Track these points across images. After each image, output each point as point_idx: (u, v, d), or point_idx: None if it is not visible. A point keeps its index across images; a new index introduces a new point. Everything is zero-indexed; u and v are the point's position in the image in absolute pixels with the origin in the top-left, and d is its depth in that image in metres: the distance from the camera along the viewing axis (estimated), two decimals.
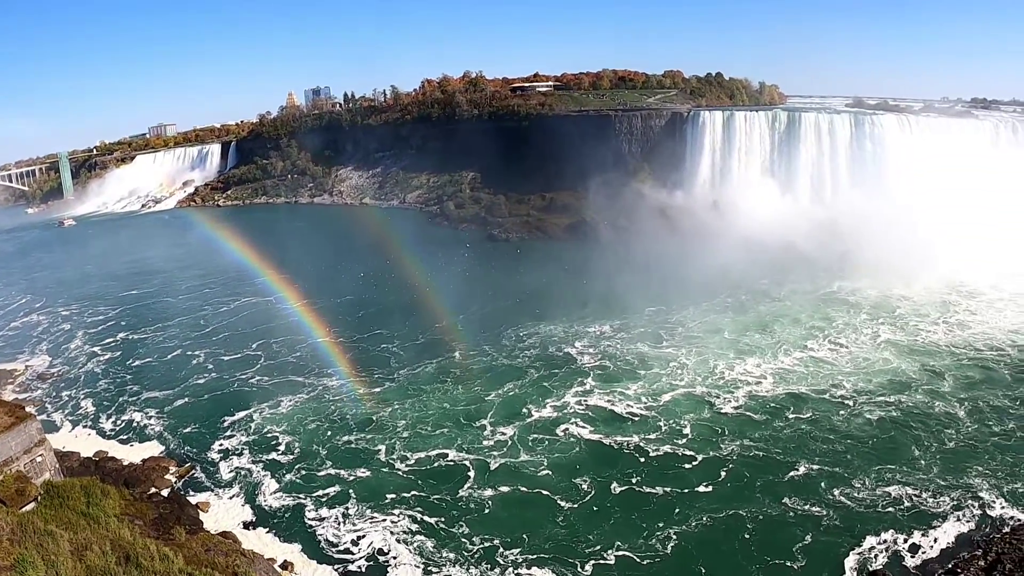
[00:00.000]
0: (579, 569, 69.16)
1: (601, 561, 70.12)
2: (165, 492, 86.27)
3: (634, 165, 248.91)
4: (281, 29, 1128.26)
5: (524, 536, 74.12)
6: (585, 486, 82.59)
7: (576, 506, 79.28)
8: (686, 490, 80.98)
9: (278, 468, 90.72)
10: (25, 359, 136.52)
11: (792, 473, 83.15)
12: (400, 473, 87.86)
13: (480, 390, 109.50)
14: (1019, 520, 72.56)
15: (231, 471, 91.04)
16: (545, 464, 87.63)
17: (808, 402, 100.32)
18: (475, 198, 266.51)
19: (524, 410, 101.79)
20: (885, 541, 70.56)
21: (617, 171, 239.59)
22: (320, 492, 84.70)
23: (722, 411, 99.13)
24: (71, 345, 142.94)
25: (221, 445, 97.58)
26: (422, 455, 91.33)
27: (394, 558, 72.52)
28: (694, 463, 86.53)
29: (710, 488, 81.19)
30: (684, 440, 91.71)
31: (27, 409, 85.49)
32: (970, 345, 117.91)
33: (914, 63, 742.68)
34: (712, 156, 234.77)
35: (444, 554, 72.43)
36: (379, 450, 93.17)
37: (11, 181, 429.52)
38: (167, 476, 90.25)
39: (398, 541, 74.83)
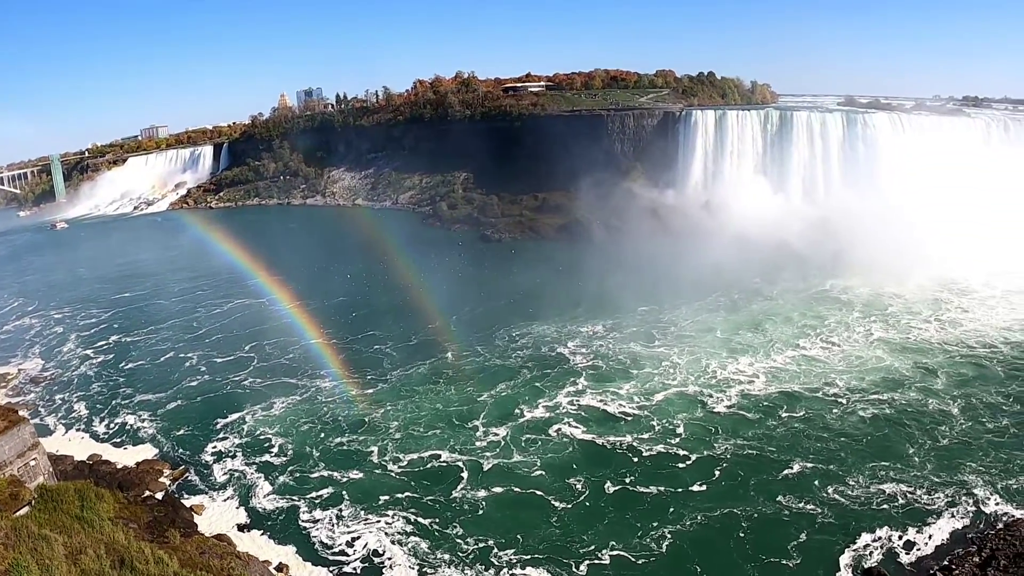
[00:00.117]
0: (574, 569, 69.12)
1: (596, 561, 70.10)
2: (159, 495, 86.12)
3: (626, 165, 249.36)
4: (273, 30, 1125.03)
5: (518, 536, 74.07)
6: (579, 486, 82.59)
7: (570, 506, 79.24)
8: (680, 489, 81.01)
9: (271, 470, 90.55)
10: (18, 362, 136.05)
11: (786, 471, 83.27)
12: (393, 474, 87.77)
13: (473, 391, 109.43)
14: (1013, 516, 72.79)
15: (225, 473, 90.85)
16: (538, 464, 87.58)
17: (801, 400, 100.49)
18: (468, 199, 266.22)
19: (517, 410, 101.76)
20: (880, 538, 70.73)
21: (609, 171, 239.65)
22: (314, 494, 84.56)
23: (715, 410, 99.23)
24: (64, 348, 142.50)
25: (214, 447, 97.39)
26: (415, 456, 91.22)
27: (389, 559, 72.45)
28: (688, 462, 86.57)
29: (704, 487, 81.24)
30: (677, 439, 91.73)
31: (20, 413, 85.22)
32: (962, 342, 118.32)
33: (905, 62, 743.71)
34: (704, 155, 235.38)
35: (439, 555, 72.37)
36: (372, 451, 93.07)
37: (3, 184, 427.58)
38: (161, 479, 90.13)
39: (392, 542, 74.74)
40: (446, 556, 72.19)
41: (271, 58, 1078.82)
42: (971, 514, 73.91)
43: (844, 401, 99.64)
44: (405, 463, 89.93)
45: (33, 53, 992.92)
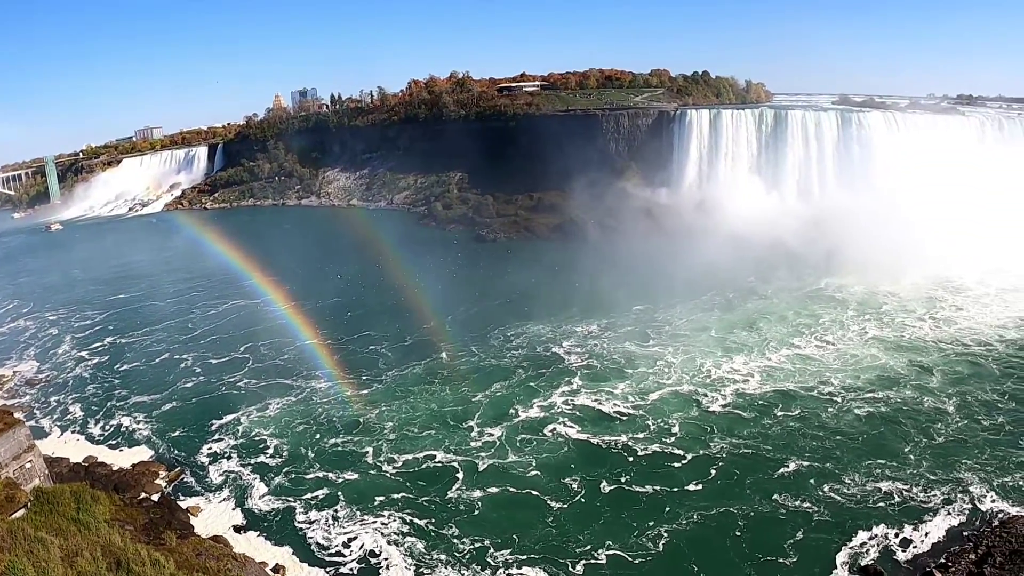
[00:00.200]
0: (570, 569, 69.05)
1: (592, 561, 70.03)
2: (155, 497, 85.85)
3: (621, 164, 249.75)
4: (268, 31, 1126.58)
5: (514, 536, 74.01)
6: (574, 486, 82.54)
7: (566, 506, 79.18)
8: (676, 488, 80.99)
9: (267, 471, 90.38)
10: (13, 365, 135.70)
11: (782, 470, 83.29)
12: (388, 475, 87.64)
13: (467, 391, 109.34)
14: (1009, 513, 72.88)
15: (220, 475, 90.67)
16: (534, 464, 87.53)
17: (796, 399, 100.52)
18: (463, 199, 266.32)
19: (512, 410, 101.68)
20: (876, 536, 70.76)
21: (604, 170, 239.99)
22: (309, 495, 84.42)
23: (710, 409, 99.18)
24: (59, 350, 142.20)
25: (210, 449, 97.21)
26: (409, 457, 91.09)
27: (385, 559, 72.33)
28: (683, 461, 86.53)
29: (700, 486, 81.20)
30: (673, 439, 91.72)
31: (15, 415, 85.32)
32: (957, 340, 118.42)
33: (900, 60, 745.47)
34: (699, 154, 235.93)
35: (435, 555, 72.27)
36: (367, 452, 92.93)
37: None
38: (157, 481, 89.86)
39: (389, 543, 74.62)
40: (442, 556, 72.11)
41: (266, 59, 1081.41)
42: (967, 512, 73.95)
43: (839, 399, 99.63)
44: (400, 464, 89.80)
45: (27, 54, 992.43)
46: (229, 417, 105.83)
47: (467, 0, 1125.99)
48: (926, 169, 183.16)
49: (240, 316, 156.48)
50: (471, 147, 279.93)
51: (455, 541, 74.40)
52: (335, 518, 79.78)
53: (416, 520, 78.11)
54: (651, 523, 74.94)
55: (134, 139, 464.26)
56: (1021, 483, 77.82)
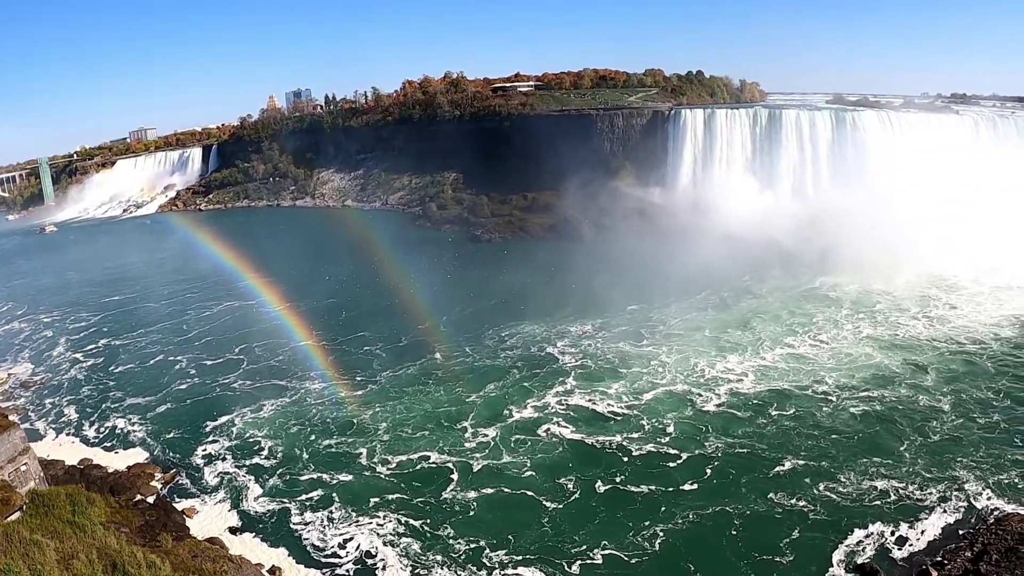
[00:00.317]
0: (566, 569, 69.00)
1: (588, 561, 69.98)
2: (151, 499, 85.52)
3: (616, 164, 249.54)
4: (261, 32, 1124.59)
5: (510, 537, 73.95)
6: (569, 486, 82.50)
7: (561, 506, 79.13)
8: (671, 488, 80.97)
9: (262, 472, 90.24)
10: (7, 367, 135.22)
11: (777, 469, 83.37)
12: (383, 476, 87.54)
13: (462, 391, 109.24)
14: (1004, 511, 73.03)
15: (216, 476, 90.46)
16: (528, 465, 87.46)
17: (791, 398, 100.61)
18: (457, 199, 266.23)
19: (506, 411, 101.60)
20: (872, 534, 70.83)
21: (599, 170, 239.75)
22: (304, 496, 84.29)
23: (705, 409, 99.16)
24: (53, 352, 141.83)
25: (205, 450, 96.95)
26: (404, 458, 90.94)
27: (382, 560, 72.19)
28: (678, 461, 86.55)
29: (695, 486, 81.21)
30: (667, 438, 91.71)
31: (10, 418, 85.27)
32: (951, 339, 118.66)
33: (894, 59, 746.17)
34: (693, 154, 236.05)
35: (431, 556, 72.18)
36: (361, 453, 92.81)
37: None
38: (152, 483, 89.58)
39: (385, 544, 74.45)
40: (438, 557, 72.04)
41: (260, 60, 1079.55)
42: (963, 509, 74.08)
43: (834, 398, 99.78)
44: (394, 465, 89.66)
45: (21, 56, 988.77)
46: (224, 418, 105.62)
47: (461, 0, 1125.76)
48: (920, 168, 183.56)
49: (234, 317, 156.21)
50: (465, 147, 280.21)
51: (451, 542, 74.30)
52: (330, 519, 79.70)
53: (411, 521, 78.01)
54: (647, 523, 74.90)
55: (128, 140, 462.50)
56: (1016, 481, 77.99)
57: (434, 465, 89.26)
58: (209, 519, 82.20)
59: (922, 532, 71.29)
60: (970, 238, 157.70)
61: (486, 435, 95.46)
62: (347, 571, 71.86)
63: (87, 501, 70.74)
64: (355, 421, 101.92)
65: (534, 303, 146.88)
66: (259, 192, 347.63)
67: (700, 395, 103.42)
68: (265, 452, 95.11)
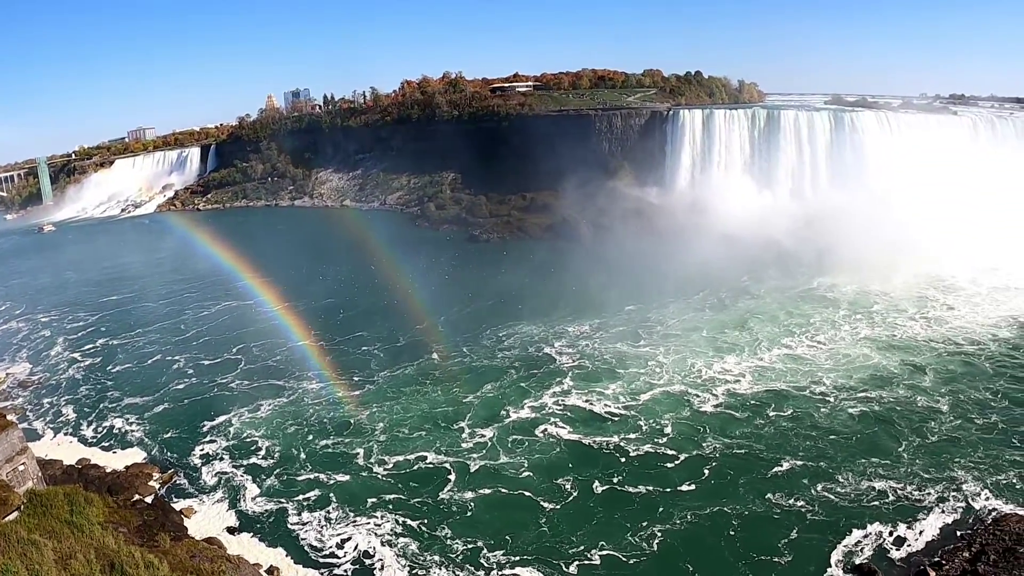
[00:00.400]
0: (564, 569, 68.97)
1: (586, 561, 69.96)
2: (149, 499, 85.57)
3: (614, 164, 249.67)
4: (260, 32, 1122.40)
5: (507, 537, 73.92)
6: (567, 486, 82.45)
7: (558, 507, 79.08)
8: (669, 489, 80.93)
9: (259, 472, 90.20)
10: (5, 367, 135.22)
11: (775, 470, 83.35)
12: (380, 476, 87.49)
13: (459, 392, 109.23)
14: (1002, 511, 73.05)
15: (214, 476, 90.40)
16: (526, 465, 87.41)
17: (789, 399, 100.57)
18: (456, 199, 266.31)
19: (503, 411, 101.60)
20: (870, 535, 70.84)
21: (597, 170, 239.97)
22: (301, 496, 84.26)
23: (702, 409, 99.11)
24: (51, 352, 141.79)
25: (203, 450, 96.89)
26: (401, 458, 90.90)
27: (380, 560, 72.25)
28: (676, 462, 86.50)
29: (693, 486, 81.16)
30: (665, 439, 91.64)
31: (8, 417, 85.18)
32: (949, 340, 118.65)
33: (892, 60, 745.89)
34: (692, 154, 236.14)
35: (428, 556, 72.12)
36: (358, 453, 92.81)
37: None
38: (150, 483, 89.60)
39: (383, 544, 74.45)
40: (436, 557, 71.99)
41: (258, 60, 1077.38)
42: (961, 510, 74.10)
43: (832, 399, 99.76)
44: (391, 465, 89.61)
45: (19, 55, 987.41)
46: (221, 418, 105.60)
47: (460, 0, 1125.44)
48: (918, 169, 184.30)
49: (232, 317, 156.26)
50: (464, 147, 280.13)
51: (448, 542, 74.27)
52: (328, 519, 79.70)
53: (409, 521, 77.98)
54: (644, 523, 74.87)
55: (127, 140, 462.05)
56: (1014, 481, 78.02)
57: (431, 465, 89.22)
58: (207, 519, 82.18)
59: (920, 532, 71.29)
60: (968, 239, 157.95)
61: (483, 435, 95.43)
62: (345, 571, 71.87)
63: (85, 501, 70.66)
64: (352, 421, 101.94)
65: (532, 303, 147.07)
66: (257, 192, 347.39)
67: (697, 396, 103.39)
68: (263, 452, 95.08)
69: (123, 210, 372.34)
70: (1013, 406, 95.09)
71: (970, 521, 72.66)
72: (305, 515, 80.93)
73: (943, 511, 74.21)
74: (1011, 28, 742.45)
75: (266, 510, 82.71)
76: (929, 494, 76.91)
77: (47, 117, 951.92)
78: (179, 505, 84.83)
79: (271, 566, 72.65)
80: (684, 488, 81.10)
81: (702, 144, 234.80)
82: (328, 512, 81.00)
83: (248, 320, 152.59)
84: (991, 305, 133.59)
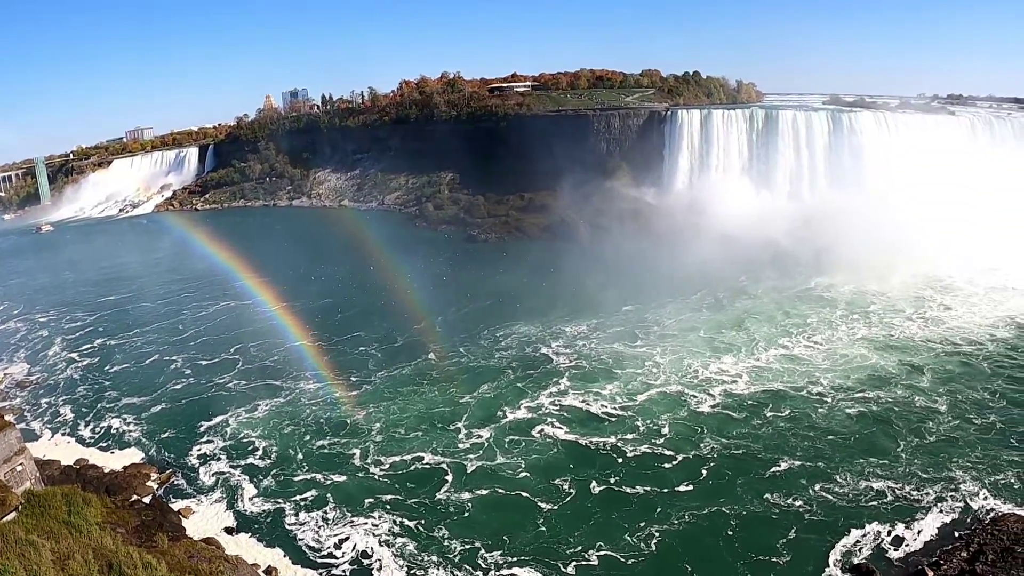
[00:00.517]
0: (562, 569, 68.91)
1: (583, 562, 69.89)
2: (147, 499, 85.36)
3: (612, 164, 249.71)
4: (258, 32, 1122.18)
5: (505, 538, 73.86)
6: (564, 487, 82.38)
7: (556, 507, 79.00)
8: (666, 489, 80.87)
9: (257, 473, 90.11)
10: (3, 367, 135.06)
11: (773, 470, 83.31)
12: (376, 477, 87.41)
13: (456, 392, 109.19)
14: (1000, 511, 73.08)
15: (211, 477, 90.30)
16: (523, 466, 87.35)
17: (786, 399, 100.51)
18: (454, 199, 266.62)
19: (500, 412, 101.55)
20: (868, 535, 70.84)
21: (595, 170, 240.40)
22: (299, 496, 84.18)
23: (699, 410, 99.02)
24: (49, 352, 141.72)
25: (200, 450, 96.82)
26: (398, 458, 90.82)
27: (378, 560, 72.22)
28: (673, 462, 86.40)
29: (691, 487, 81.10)
30: (662, 439, 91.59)
31: (6, 417, 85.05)
32: (947, 340, 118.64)
33: (890, 60, 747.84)
34: (690, 154, 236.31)
35: (426, 557, 72.06)
36: (354, 454, 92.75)
37: None
38: (148, 483, 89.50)
39: (380, 544, 74.40)
40: (434, 558, 71.92)
41: (257, 60, 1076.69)
42: (959, 510, 74.11)
43: (830, 399, 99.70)
44: (388, 465, 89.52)
45: (17, 55, 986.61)
46: (219, 418, 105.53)
47: (458, 1, 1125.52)
48: (916, 169, 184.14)
49: (230, 317, 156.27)
50: (462, 148, 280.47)
51: (446, 543, 74.22)
52: (325, 519, 79.64)
53: (406, 522, 77.92)
54: (642, 523, 74.82)
55: (124, 140, 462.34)
56: (1012, 481, 78.03)
57: (428, 466, 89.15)
58: (205, 519, 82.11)
59: (918, 532, 71.30)
60: (966, 239, 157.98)
61: (480, 436, 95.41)
62: (343, 571, 71.78)
63: (83, 501, 70.60)
64: (350, 421, 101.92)
65: (529, 303, 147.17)
66: (255, 192, 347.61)
67: (695, 396, 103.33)
68: (260, 452, 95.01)
69: (121, 210, 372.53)
70: (1011, 406, 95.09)
71: (968, 521, 72.64)
72: (303, 515, 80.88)
73: (941, 511, 74.22)
74: (1009, 29, 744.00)
75: (264, 510, 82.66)
76: (927, 494, 76.90)
77: (45, 117, 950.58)
78: (177, 505, 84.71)
79: (269, 566, 72.54)
80: (682, 488, 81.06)
81: (700, 144, 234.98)
82: (325, 512, 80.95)
83: (246, 320, 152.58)
84: (988, 305, 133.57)
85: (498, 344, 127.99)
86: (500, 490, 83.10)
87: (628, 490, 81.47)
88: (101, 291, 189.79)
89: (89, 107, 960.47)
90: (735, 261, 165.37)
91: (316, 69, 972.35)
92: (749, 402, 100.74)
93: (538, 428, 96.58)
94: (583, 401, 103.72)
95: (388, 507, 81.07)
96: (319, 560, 73.73)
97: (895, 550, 69.27)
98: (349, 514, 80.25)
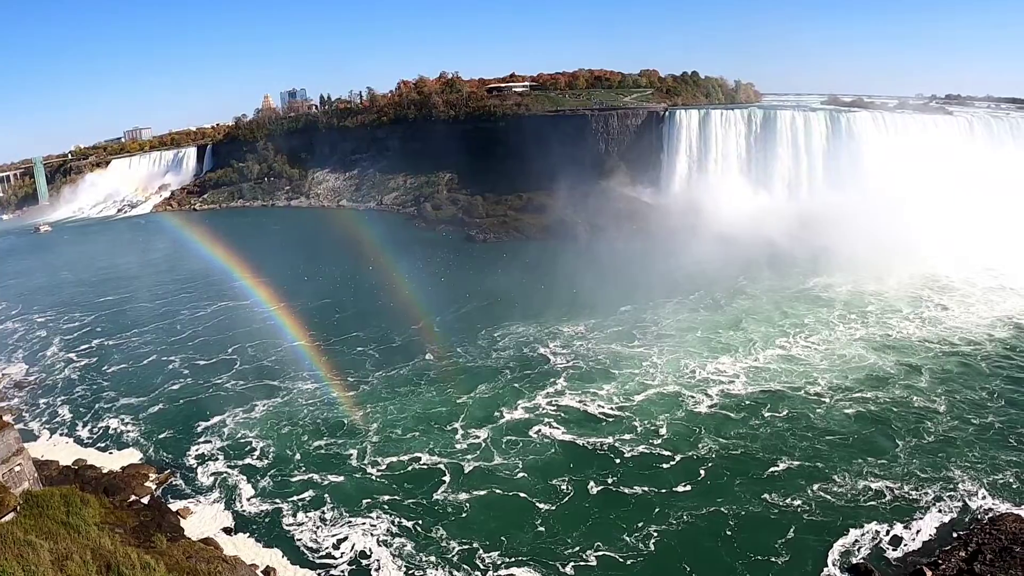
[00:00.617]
0: (560, 570, 68.90)
1: (582, 562, 69.87)
2: (145, 499, 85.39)
3: (610, 164, 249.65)
4: (257, 32, 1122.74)
5: (503, 538, 73.85)
6: (562, 487, 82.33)
7: (553, 507, 78.97)
8: (664, 489, 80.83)
9: (255, 473, 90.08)
10: (1, 367, 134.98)
11: (771, 470, 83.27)
12: (374, 477, 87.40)
13: (453, 392, 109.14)
14: (998, 511, 73.14)
15: (209, 477, 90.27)
16: (520, 466, 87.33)
17: (784, 399, 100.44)
18: (452, 199, 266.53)
19: (497, 412, 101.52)
20: (867, 534, 70.86)
21: (593, 170, 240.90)
22: (297, 497, 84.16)
23: (697, 410, 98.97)
24: (47, 352, 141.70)
25: (198, 451, 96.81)
26: (395, 459, 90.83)
27: (376, 560, 72.24)
28: (671, 462, 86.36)
29: (689, 487, 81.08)
30: (660, 440, 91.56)
31: (4, 418, 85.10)
32: (945, 340, 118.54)
33: (888, 60, 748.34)
34: (688, 154, 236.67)
35: (424, 557, 72.04)
36: (352, 454, 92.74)
37: None
38: (146, 483, 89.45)
39: (378, 544, 74.39)
40: (432, 558, 71.90)
41: (255, 60, 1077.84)
42: (957, 509, 74.17)
43: (827, 399, 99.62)
44: (385, 466, 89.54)
45: (16, 55, 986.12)
46: (216, 419, 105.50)
47: (457, 1, 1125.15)
48: (914, 169, 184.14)
49: (228, 317, 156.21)
50: (460, 148, 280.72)
51: (444, 543, 74.18)
52: (323, 520, 79.66)
53: (404, 522, 77.88)
54: (640, 524, 74.80)
55: (123, 140, 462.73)
56: (1011, 481, 78.11)
57: (426, 466, 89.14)
58: (203, 520, 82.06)
59: (917, 532, 71.35)
60: (963, 239, 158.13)
61: (478, 436, 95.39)
62: (342, 571, 71.78)
63: (81, 502, 70.68)
64: (347, 422, 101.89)
65: (527, 303, 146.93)
66: (254, 192, 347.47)
67: (692, 396, 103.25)
68: (258, 452, 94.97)
69: (119, 210, 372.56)
70: (1009, 406, 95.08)
71: (967, 521, 72.69)
72: (300, 516, 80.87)
73: (940, 511, 74.25)
74: (1008, 29, 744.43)
75: (262, 510, 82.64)
76: (926, 494, 76.91)
77: (43, 117, 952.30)
78: (175, 506, 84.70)
79: (267, 567, 72.50)
80: (680, 488, 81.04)
81: (698, 144, 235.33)
82: (323, 512, 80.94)
83: (243, 320, 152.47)
84: (986, 306, 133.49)
85: (496, 344, 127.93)
86: (498, 490, 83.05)
87: (626, 490, 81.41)
88: (99, 291, 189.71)
89: (87, 107, 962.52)
90: (733, 261, 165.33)
91: (314, 69, 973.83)
92: (747, 402, 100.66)
93: (536, 428, 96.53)
94: (581, 401, 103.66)
95: (386, 507, 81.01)
96: (317, 560, 73.69)
97: (893, 550, 69.27)
98: (347, 514, 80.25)
